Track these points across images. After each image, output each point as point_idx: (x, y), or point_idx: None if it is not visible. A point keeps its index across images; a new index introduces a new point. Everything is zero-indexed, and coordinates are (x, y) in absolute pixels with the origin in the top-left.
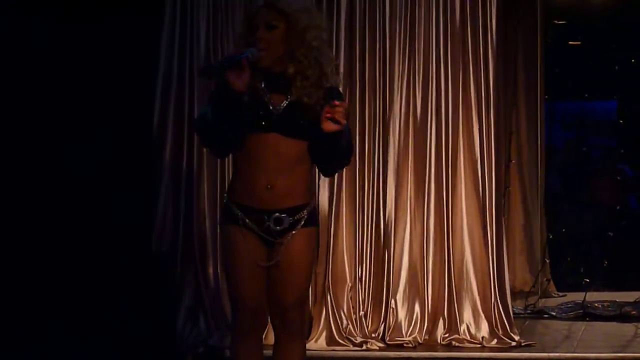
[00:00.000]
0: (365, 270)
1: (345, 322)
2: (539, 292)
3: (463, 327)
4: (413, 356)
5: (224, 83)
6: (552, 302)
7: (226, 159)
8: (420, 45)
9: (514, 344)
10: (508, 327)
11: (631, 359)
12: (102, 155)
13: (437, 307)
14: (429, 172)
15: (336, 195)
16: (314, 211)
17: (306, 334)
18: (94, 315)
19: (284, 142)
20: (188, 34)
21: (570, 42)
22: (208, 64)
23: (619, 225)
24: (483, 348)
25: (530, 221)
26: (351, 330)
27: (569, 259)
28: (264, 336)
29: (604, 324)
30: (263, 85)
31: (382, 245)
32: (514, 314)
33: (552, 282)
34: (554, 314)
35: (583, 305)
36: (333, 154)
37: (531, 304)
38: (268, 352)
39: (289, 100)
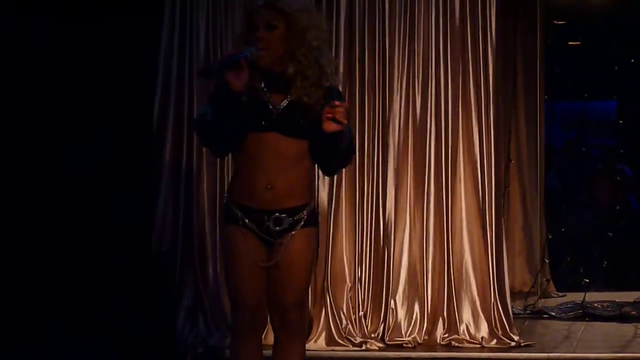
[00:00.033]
0: (365, 271)
1: (344, 322)
2: (539, 292)
3: (462, 328)
4: (412, 356)
5: (223, 83)
6: (551, 302)
7: (226, 159)
8: (419, 45)
9: (513, 344)
10: (507, 327)
11: (631, 359)
12: (102, 155)
13: (437, 308)
14: (429, 172)
15: (335, 195)
16: (314, 211)
17: (306, 334)
18: (94, 315)
19: (284, 142)
20: (187, 35)
21: (570, 42)
22: (207, 64)
23: (618, 226)
24: (482, 348)
25: (530, 221)
26: (351, 331)
27: (568, 259)
28: (263, 336)
29: (604, 324)
30: (263, 85)
31: (382, 245)
32: (513, 314)
33: (551, 282)
34: (553, 314)
35: (582, 305)
36: (334, 154)
37: (531, 304)
38: (268, 352)
39: (288, 99)
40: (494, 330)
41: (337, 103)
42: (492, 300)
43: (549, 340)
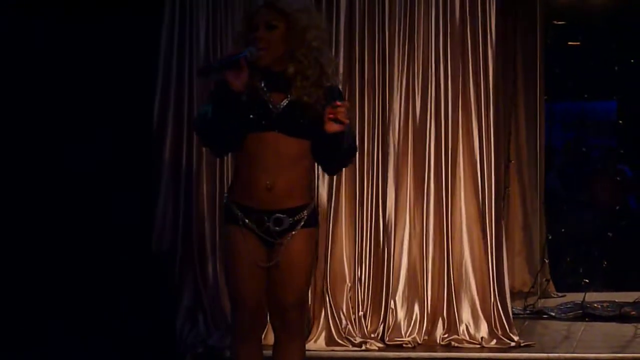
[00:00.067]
0: (365, 271)
1: (344, 322)
2: (539, 293)
3: (462, 328)
4: (412, 356)
5: (222, 82)
6: (551, 302)
7: (226, 159)
8: (419, 45)
9: (513, 344)
10: (507, 328)
11: (630, 359)
12: (102, 155)
13: (437, 308)
14: (429, 172)
15: (335, 194)
16: (314, 212)
17: (306, 334)
18: (94, 315)
19: (284, 141)
20: (187, 34)
21: (570, 43)
22: (206, 64)
23: (618, 226)
24: (482, 348)
25: (530, 221)
26: (350, 331)
27: (568, 259)
28: (263, 336)
29: (604, 325)
30: (263, 85)
31: (382, 245)
32: (513, 314)
33: (551, 283)
34: (553, 314)
35: (582, 305)
36: (336, 154)
37: (530, 305)
38: (268, 352)
39: (289, 99)
40: (493, 330)
41: (338, 103)
42: (492, 301)
43: (548, 341)
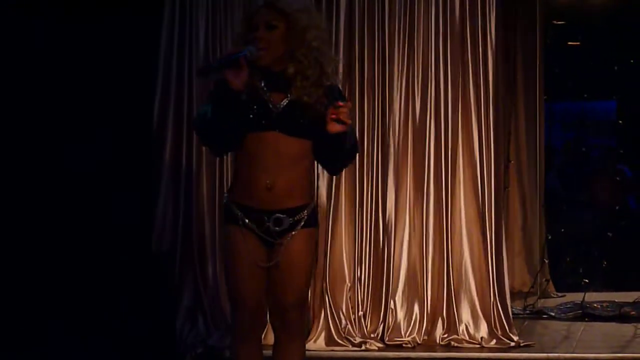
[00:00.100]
0: (365, 271)
1: (344, 322)
2: (538, 293)
3: (462, 328)
4: (412, 356)
5: (222, 82)
6: (551, 302)
7: (226, 159)
8: (419, 45)
9: (512, 344)
10: (507, 328)
11: (630, 359)
12: (102, 155)
13: (436, 308)
14: (428, 172)
15: (335, 194)
16: (314, 212)
17: (305, 334)
18: (94, 315)
19: (284, 141)
20: (187, 34)
21: (570, 43)
22: (206, 63)
23: (618, 226)
24: (482, 348)
25: (529, 221)
26: (350, 331)
27: (568, 259)
28: (263, 336)
29: (603, 325)
30: (263, 85)
31: (382, 245)
32: (513, 314)
33: (551, 283)
34: (553, 314)
35: (582, 305)
36: (338, 154)
37: (530, 305)
38: (268, 352)
39: (289, 99)
40: (493, 330)
41: (340, 104)
42: (492, 301)
43: (548, 341)
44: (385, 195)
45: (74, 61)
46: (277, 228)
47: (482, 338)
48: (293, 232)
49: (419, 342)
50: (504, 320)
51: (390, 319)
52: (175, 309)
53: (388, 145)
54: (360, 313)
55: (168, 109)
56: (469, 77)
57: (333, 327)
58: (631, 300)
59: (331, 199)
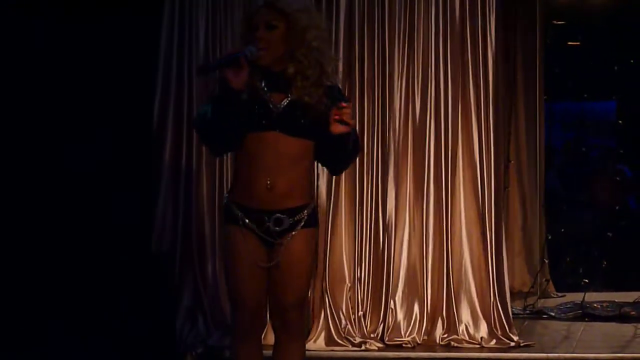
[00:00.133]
0: (364, 271)
1: (344, 322)
2: (538, 293)
3: (462, 328)
4: (412, 356)
5: (223, 81)
6: (551, 302)
7: (225, 159)
8: (419, 45)
9: (512, 344)
10: (507, 328)
11: (630, 359)
12: (102, 155)
13: (436, 308)
14: (428, 172)
15: (335, 194)
16: (314, 212)
17: (306, 334)
18: (94, 315)
19: (284, 141)
20: (187, 34)
21: (570, 43)
22: (206, 62)
23: (618, 226)
24: (482, 348)
25: (529, 221)
26: (350, 331)
27: (568, 259)
28: (263, 336)
29: (603, 325)
30: (263, 85)
31: (382, 245)
32: (513, 314)
33: (551, 283)
34: (553, 314)
35: (582, 305)
36: (341, 154)
37: (530, 305)
38: (268, 352)
39: (289, 99)
40: (493, 330)
41: (344, 104)
42: (492, 301)
43: (548, 341)
44: (385, 195)
45: (74, 61)
46: (277, 228)
47: (482, 338)
48: (293, 232)
49: (418, 342)
50: (503, 320)
51: (390, 319)
52: (175, 309)
53: (388, 145)
54: (360, 313)
55: (168, 109)
56: (469, 77)
57: (333, 327)
58: (631, 300)
59: (331, 198)
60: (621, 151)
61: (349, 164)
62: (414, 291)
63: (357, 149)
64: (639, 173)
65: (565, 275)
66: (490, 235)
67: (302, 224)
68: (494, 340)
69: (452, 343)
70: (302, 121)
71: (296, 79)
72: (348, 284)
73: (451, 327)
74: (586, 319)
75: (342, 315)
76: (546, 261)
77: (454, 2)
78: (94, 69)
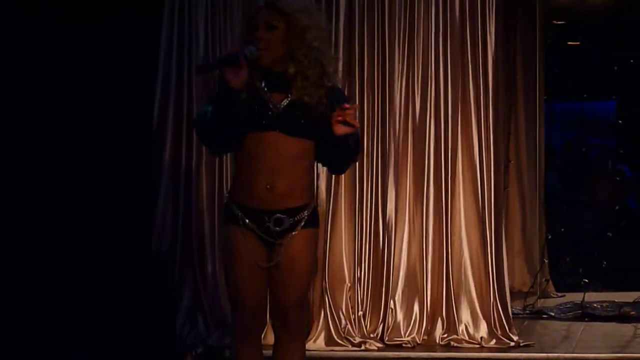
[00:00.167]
0: (364, 271)
1: (344, 322)
2: (538, 293)
3: (462, 328)
4: (412, 356)
5: (223, 81)
6: (551, 302)
7: (225, 159)
8: (419, 45)
9: (512, 344)
10: (507, 328)
11: (630, 359)
12: (102, 155)
13: (436, 308)
14: (428, 172)
15: (335, 194)
16: (315, 212)
17: (306, 334)
18: (94, 315)
19: (284, 141)
20: (187, 34)
21: (570, 43)
22: (206, 61)
23: (618, 226)
24: (482, 348)
25: (529, 221)
26: (350, 331)
27: (567, 259)
28: (263, 336)
29: (603, 325)
30: (263, 85)
31: (381, 245)
32: (512, 314)
33: (551, 283)
34: (552, 314)
35: (582, 305)
36: (342, 155)
37: (530, 305)
38: (268, 352)
39: (289, 99)
40: (493, 330)
41: (347, 106)
42: (492, 301)
43: (548, 341)
44: (385, 195)
45: (74, 61)
46: (277, 228)
47: (481, 338)
48: (293, 233)
49: (418, 342)
50: (503, 320)
51: (390, 319)
52: (175, 309)
53: (388, 145)
54: (360, 313)
55: (168, 109)
56: (468, 77)
57: (333, 327)
58: (631, 300)
59: (331, 198)
60: (621, 151)
61: (350, 164)
62: (413, 291)
63: (358, 149)
64: (639, 173)
65: (565, 275)
66: (490, 235)
67: (303, 224)
68: (494, 340)
69: (452, 343)
70: (302, 121)
71: (296, 79)
72: (348, 284)
73: (451, 327)
74: (586, 319)
75: (342, 315)
76: (546, 261)
77: (454, 2)
78: (94, 69)
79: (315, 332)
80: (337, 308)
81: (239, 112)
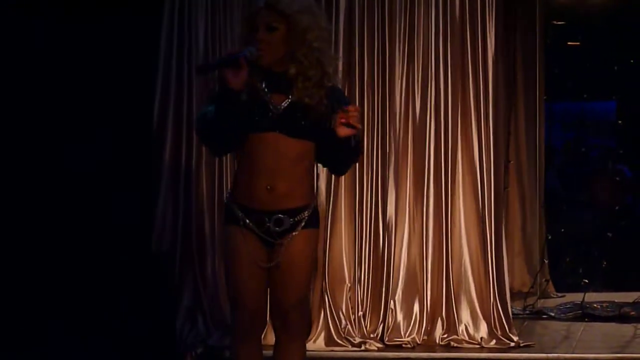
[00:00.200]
0: (364, 271)
1: (344, 322)
2: (538, 293)
3: (462, 328)
4: (412, 356)
5: (222, 81)
6: (551, 302)
7: (225, 159)
8: (419, 45)
9: (512, 344)
10: (507, 328)
11: (630, 359)
12: (102, 155)
13: (436, 308)
14: (428, 172)
15: (334, 195)
16: (315, 212)
17: (306, 335)
18: (94, 315)
19: (284, 142)
20: (186, 34)
21: (570, 43)
22: (206, 61)
23: (618, 226)
24: (482, 349)
25: (529, 221)
26: (350, 331)
27: (567, 259)
28: (263, 336)
29: (603, 325)
30: (264, 85)
31: (381, 245)
32: (512, 314)
33: (550, 283)
34: (552, 314)
35: (582, 305)
36: (343, 156)
37: (530, 305)
38: (268, 352)
39: (290, 100)
40: (493, 330)
41: (350, 108)
42: (492, 301)
43: (548, 341)
44: (385, 195)
45: (74, 61)
46: (277, 228)
47: (481, 338)
48: (294, 233)
49: (418, 342)
50: (503, 321)
51: (390, 319)
52: (175, 309)
53: (388, 145)
54: (360, 313)
55: (168, 109)
56: (468, 77)
57: (333, 327)
58: (631, 301)
59: (331, 198)
60: (621, 151)
61: (351, 165)
62: (413, 291)
63: (359, 150)
64: (639, 173)
65: (565, 275)
66: (490, 235)
67: (303, 224)
68: (494, 341)
69: (452, 343)
70: (303, 122)
71: (297, 80)
72: (348, 284)
73: (451, 327)
74: (586, 319)
75: (342, 316)
76: (546, 261)
77: (454, 2)
78: (94, 69)
79: (315, 333)
80: (337, 308)
81: (239, 113)
